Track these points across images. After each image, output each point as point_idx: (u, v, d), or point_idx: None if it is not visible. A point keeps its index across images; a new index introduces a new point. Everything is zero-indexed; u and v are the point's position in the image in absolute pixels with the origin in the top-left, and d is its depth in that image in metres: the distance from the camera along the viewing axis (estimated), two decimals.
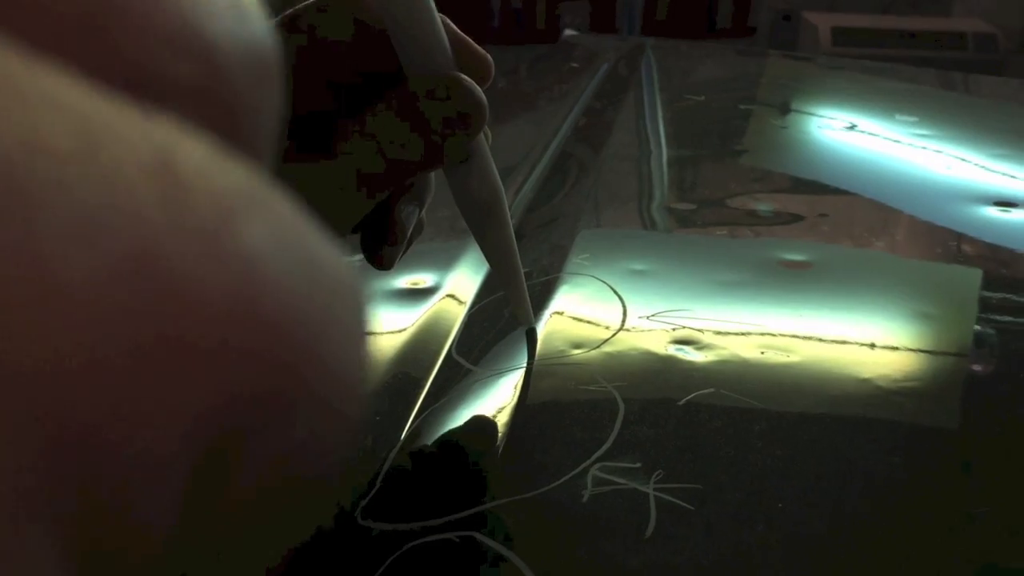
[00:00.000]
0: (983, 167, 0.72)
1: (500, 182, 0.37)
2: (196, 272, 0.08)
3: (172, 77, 0.10)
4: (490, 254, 0.39)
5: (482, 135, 0.36)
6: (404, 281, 0.50)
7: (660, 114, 0.94)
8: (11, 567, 0.08)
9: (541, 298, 0.45)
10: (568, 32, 1.63)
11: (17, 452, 0.07)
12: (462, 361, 0.42)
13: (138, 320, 0.08)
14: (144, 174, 0.08)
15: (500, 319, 0.45)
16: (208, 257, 0.08)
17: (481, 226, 0.38)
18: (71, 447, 0.08)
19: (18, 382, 0.07)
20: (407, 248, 0.39)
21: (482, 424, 0.37)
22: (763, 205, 0.63)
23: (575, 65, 1.27)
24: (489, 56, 0.35)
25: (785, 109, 1.01)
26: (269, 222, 0.09)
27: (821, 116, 0.95)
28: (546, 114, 0.99)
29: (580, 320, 0.44)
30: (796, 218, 0.61)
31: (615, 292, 0.46)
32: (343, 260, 0.10)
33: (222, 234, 0.09)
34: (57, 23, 0.09)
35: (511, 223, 0.39)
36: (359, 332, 0.10)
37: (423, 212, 0.39)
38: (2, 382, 0.07)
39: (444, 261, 0.53)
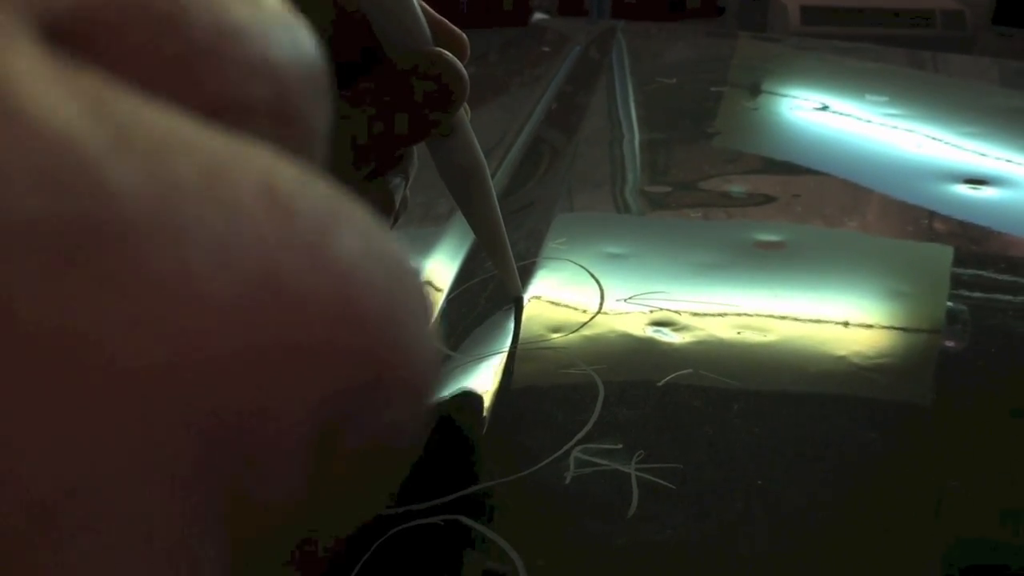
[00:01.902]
0: (953, 145, 0.73)
1: (482, 153, 0.38)
2: (305, 283, 0.09)
3: (249, 102, 0.11)
4: (476, 225, 0.40)
5: (462, 109, 0.37)
6: None
7: (632, 97, 0.94)
8: (175, 536, 0.09)
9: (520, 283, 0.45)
10: (538, 16, 1.63)
11: (180, 436, 0.09)
12: (441, 348, 0.42)
13: (266, 326, 0.09)
14: (255, 198, 0.09)
15: (478, 305, 0.45)
16: (313, 269, 0.10)
17: (466, 197, 0.39)
18: (223, 432, 0.09)
19: (178, 377, 0.09)
20: (394, 223, 0.40)
21: (467, 399, 0.37)
22: (736, 187, 0.63)
23: (546, 49, 1.27)
24: (464, 35, 0.36)
25: (756, 91, 1.01)
26: (356, 231, 0.10)
27: (792, 97, 0.96)
28: (518, 99, 0.99)
29: (558, 304, 0.44)
30: (769, 199, 0.61)
31: (592, 276, 0.47)
32: (407, 255, 0.11)
33: (322, 247, 0.10)
34: (149, 63, 0.10)
35: (495, 194, 0.40)
36: (428, 320, 0.11)
37: (408, 187, 0.39)
38: (166, 377, 0.08)
39: (420, 247, 0.53)
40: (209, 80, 0.10)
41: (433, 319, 0.12)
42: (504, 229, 0.41)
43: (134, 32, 0.10)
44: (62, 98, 0.08)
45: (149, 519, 0.09)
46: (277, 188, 0.10)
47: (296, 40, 0.12)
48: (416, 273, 0.11)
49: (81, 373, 0.08)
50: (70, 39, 0.09)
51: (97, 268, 0.08)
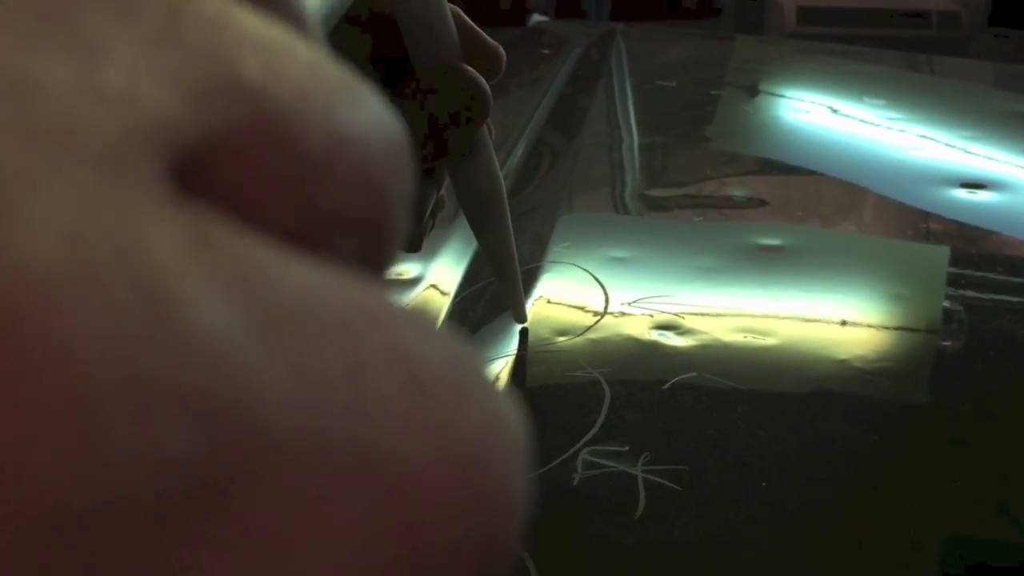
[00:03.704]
0: (951, 148, 0.74)
1: (501, 176, 0.37)
2: (436, 476, 0.08)
3: (349, 215, 0.10)
4: (488, 249, 0.39)
5: (484, 128, 0.35)
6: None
7: (631, 100, 0.94)
8: None
9: (525, 287, 0.46)
10: (537, 18, 1.64)
11: None
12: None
13: (402, 541, 0.08)
14: (394, 381, 0.08)
15: (484, 308, 0.46)
16: (443, 458, 0.09)
17: (481, 220, 0.38)
18: None
19: None
20: (432, 225, 0.39)
21: None
22: (735, 190, 0.64)
23: (546, 52, 1.28)
24: (500, 47, 0.35)
25: (754, 92, 1.02)
26: (479, 398, 0.09)
27: (790, 99, 0.96)
28: (518, 101, 0.99)
29: (564, 307, 0.45)
30: (767, 202, 0.62)
31: (596, 279, 0.47)
32: (509, 403, 0.10)
33: (452, 428, 0.09)
34: (262, 186, 0.09)
35: (510, 218, 0.39)
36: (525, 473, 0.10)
37: (443, 190, 0.38)
38: None
39: (426, 251, 0.53)
40: (320, 199, 0.09)
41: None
42: (516, 256, 0.40)
43: (252, 153, 0.09)
44: (208, 282, 0.08)
45: None
46: (411, 360, 0.09)
47: (389, 129, 0.11)
48: (518, 421, 0.10)
49: None
50: (191, 168, 0.08)
51: (246, 520, 0.07)
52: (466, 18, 0.34)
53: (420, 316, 0.09)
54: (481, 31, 0.35)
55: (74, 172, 0.07)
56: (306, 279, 0.08)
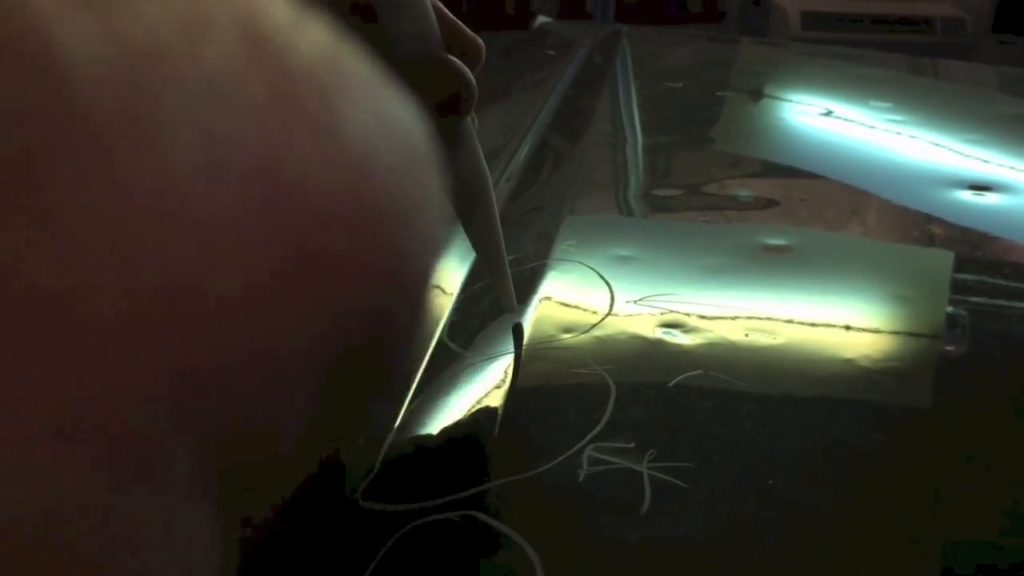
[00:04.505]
0: (957, 151, 0.74)
1: (486, 166, 0.38)
2: (314, 179, 0.08)
3: None
4: (475, 239, 0.40)
5: (468, 119, 0.36)
6: None
7: (635, 102, 0.94)
8: (161, 481, 0.07)
9: (530, 284, 0.46)
10: (541, 19, 1.64)
11: (149, 379, 0.07)
12: (453, 346, 0.42)
13: (268, 248, 0.07)
14: (242, 52, 0.07)
15: (489, 305, 0.46)
16: (322, 156, 0.08)
17: (467, 211, 0.38)
18: (204, 375, 0.07)
19: (156, 328, 0.07)
20: None
21: (479, 398, 0.38)
22: (740, 191, 0.64)
23: (551, 53, 1.28)
24: (480, 39, 0.35)
25: (759, 95, 1.02)
26: (363, 93, 0.08)
27: (795, 102, 0.96)
28: (523, 103, 0.99)
29: (569, 305, 0.45)
30: (775, 203, 0.62)
31: (602, 277, 0.47)
32: (415, 112, 0.09)
33: (331, 129, 0.08)
34: None
35: (496, 208, 0.39)
36: (443, 209, 0.09)
37: None
38: (137, 330, 0.07)
39: None
40: None
41: (443, 194, 0.10)
42: (503, 245, 0.40)
43: None
44: None
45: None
46: (265, 36, 0.08)
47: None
48: (432, 149, 0.09)
49: (33, 334, 0.07)
50: None
51: (50, 194, 0.06)
52: (446, 11, 0.34)
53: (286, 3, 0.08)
54: (461, 24, 0.35)
55: None
56: None
